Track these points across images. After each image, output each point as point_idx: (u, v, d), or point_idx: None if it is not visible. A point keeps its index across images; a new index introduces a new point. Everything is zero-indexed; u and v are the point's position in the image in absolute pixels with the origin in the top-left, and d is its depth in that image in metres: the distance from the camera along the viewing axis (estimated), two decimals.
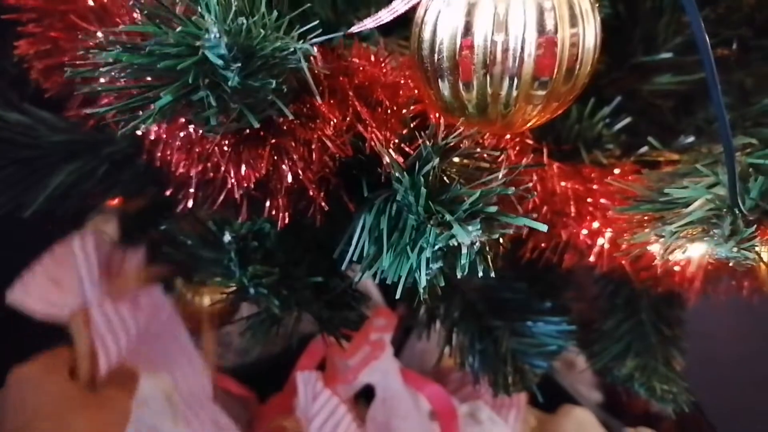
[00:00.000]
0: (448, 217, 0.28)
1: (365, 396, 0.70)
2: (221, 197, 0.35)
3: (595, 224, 0.41)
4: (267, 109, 0.28)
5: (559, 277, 0.55)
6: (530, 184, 0.30)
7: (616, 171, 0.44)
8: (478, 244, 0.28)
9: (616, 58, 0.48)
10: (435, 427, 0.70)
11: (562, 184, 0.40)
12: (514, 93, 0.28)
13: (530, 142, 0.39)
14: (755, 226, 0.32)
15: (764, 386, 1.07)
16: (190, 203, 0.37)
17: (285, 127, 0.31)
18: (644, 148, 0.46)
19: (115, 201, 0.81)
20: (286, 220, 0.35)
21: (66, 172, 0.43)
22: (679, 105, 0.51)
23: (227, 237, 0.38)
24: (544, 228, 0.28)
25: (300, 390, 0.59)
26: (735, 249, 0.32)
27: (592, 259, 0.43)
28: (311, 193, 0.34)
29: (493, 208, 0.28)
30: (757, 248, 0.33)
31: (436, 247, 0.28)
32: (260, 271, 0.38)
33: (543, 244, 0.44)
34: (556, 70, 0.28)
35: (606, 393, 0.98)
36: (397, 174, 0.29)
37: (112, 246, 0.62)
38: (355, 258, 0.33)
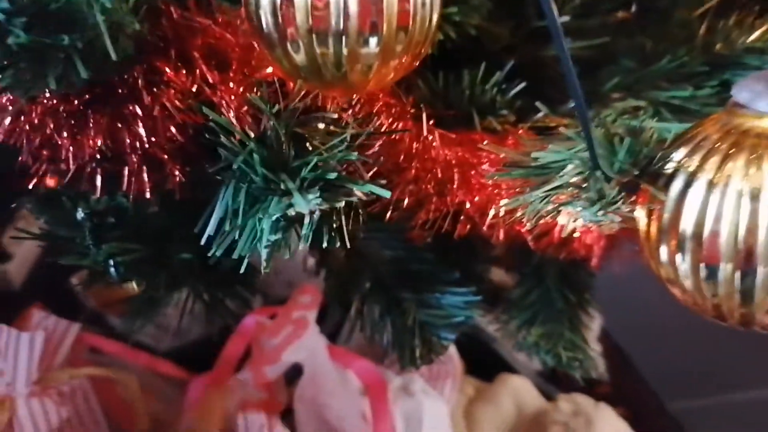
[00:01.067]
0: (288, 185, 0.27)
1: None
2: (71, 171, 0.33)
3: (481, 192, 0.40)
4: (67, 70, 0.25)
5: (469, 246, 0.54)
6: (376, 149, 0.29)
7: (511, 138, 0.43)
8: (317, 212, 0.26)
9: (513, 23, 0.46)
10: (365, 401, 0.70)
11: (445, 152, 0.39)
12: (344, 52, 0.26)
13: (409, 108, 0.38)
14: (618, 189, 0.31)
15: (704, 350, 1.09)
16: (49, 180, 0.35)
17: (124, 93, 0.29)
18: (540, 114, 0.45)
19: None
20: (146, 194, 0.34)
21: None
22: (581, 70, 0.50)
23: (80, 213, 0.36)
24: (386, 194, 0.27)
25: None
26: (601, 213, 0.31)
27: (485, 228, 0.42)
28: (165, 164, 0.32)
29: (333, 175, 0.27)
30: (627, 210, 0.32)
31: (274, 216, 0.27)
32: (117, 248, 0.36)
33: (433, 214, 0.43)
34: (385, 27, 0.26)
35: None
36: (232, 141, 0.27)
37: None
38: (212, 232, 0.31)
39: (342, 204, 0.27)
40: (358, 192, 0.27)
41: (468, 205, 0.40)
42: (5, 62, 0.23)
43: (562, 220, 0.33)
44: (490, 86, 0.44)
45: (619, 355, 1.01)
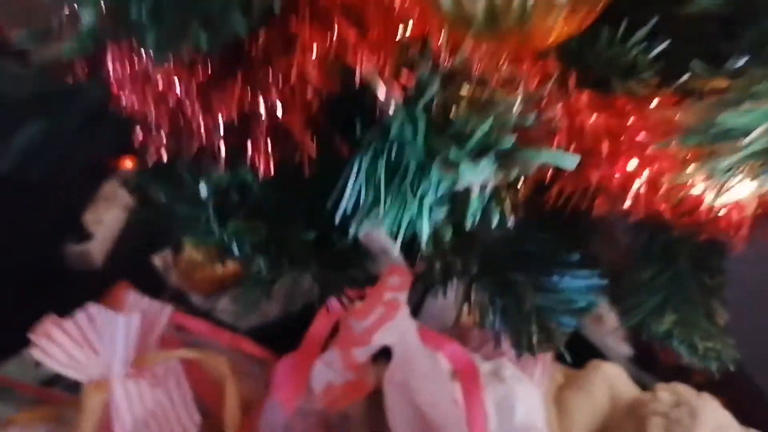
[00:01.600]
0: (454, 154, 0.23)
1: (386, 356, 0.67)
2: (195, 145, 0.30)
3: (632, 164, 0.35)
4: (224, 27, 0.22)
5: (589, 226, 0.50)
6: (554, 114, 0.25)
7: (654, 102, 0.38)
8: (491, 186, 0.22)
9: None
10: (456, 386, 0.67)
11: (592, 118, 0.35)
12: None
13: (553, 69, 0.33)
14: None
15: None
16: (164, 154, 0.32)
17: (257, 57, 0.26)
18: (686, 76, 0.39)
19: (129, 163, 0.77)
20: (271, 169, 0.31)
21: (34, 129, 0.38)
22: (726, 27, 0.44)
23: (204, 190, 0.34)
24: (573, 162, 0.23)
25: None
26: None
27: (627, 204, 0.38)
28: (297, 137, 0.29)
29: (508, 142, 0.23)
30: None
31: (441, 191, 0.23)
32: (243, 227, 0.33)
33: (570, 188, 0.38)
34: None
35: (636, 346, 0.94)
36: (392, 107, 0.24)
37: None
38: (349, 209, 0.28)
39: (514, 176, 0.23)
40: (536, 162, 0.23)
41: (613, 179, 0.36)
42: (148, 20, 0.20)
43: (746, 194, 0.29)
44: (630, 45, 0.39)
45: None
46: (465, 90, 0.27)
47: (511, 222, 0.25)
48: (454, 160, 0.23)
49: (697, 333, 0.46)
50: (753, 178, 0.28)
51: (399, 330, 0.65)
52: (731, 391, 0.87)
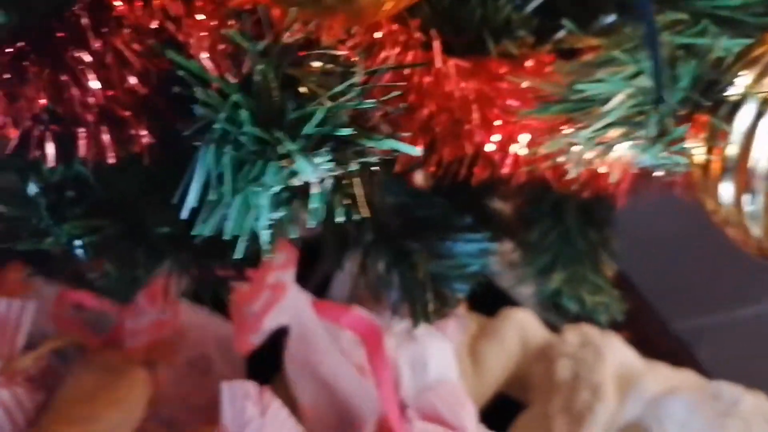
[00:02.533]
0: (288, 146, 0.21)
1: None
2: (14, 137, 0.26)
3: (504, 131, 0.34)
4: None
5: (480, 188, 0.49)
6: (398, 93, 0.23)
7: (529, 63, 0.36)
8: (330, 180, 0.20)
9: None
10: (359, 353, 0.66)
11: (462, 85, 0.33)
12: None
13: (417, 35, 0.31)
14: (686, 123, 0.26)
15: (707, 268, 1.07)
16: None
17: (65, 36, 0.22)
18: (561, 33, 0.38)
19: None
20: (110, 159, 0.27)
21: None
22: None
23: (33, 188, 0.30)
24: (416, 151, 0.21)
25: (225, 403, 0.55)
26: (664, 153, 0.26)
27: (505, 170, 0.37)
28: (129, 123, 0.26)
29: (346, 131, 0.21)
30: (688, 149, 0.27)
31: (275, 189, 0.21)
32: (80, 226, 0.30)
33: (447, 158, 0.37)
34: None
35: None
36: (210, 92, 0.21)
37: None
38: (194, 204, 0.26)
39: (355, 168, 0.21)
40: (378, 150, 0.21)
41: (489, 147, 0.35)
42: None
43: (611, 160, 0.28)
44: (503, 2, 0.37)
45: (618, 277, 0.99)
46: (311, 67, 0.24)
47: (364, 213, 0.23)
48: (288, 152, 0.20)
49: (585, 288, 0.47)
50: (614, 147, 0.27)
51: (291, 309, 0.63)
52: (636, 326, 0.92)
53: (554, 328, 0.83)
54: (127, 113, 0.25)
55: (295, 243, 0.55)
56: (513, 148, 0.36)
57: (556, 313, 0.94)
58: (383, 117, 0.23)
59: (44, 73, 0.23)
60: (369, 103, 0.21)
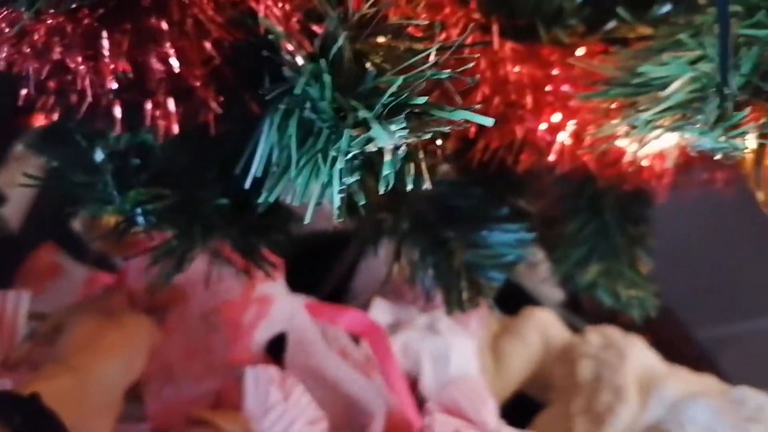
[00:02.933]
0: (364, 113, 0.21)
1: None
2: (85, 104, 0.27)
3: (556, 117, 0.34)
4: None
5: (518, 177, 0.49)
6: (472, 65, 0.23)
7: (580, 51, 0.37)
8: (404, 147, 0.21)
9: None
10: (359, 353, 0.67)
11: (516, 69, 0.33)
12: None
13: (476, 16, 0.31)
14: (746, 108, 0.26)
15: (729, 277, 1.07)
16: (53, 115, 0.29)
17: (147, 5, 0.23)
18: (612, 23, 0.39)
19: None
20: (174, 129, 0.28)
21: None
22: None
23: (100, 154, 0.31)
24: (490, 122, 0.21)
25: (249, 388, 0.55)
26: (722, 138, 0.26)
27: (552, 158, 0.37)
28: (199, 93, 0.26)
29: (422, 99, 0.21)
30: (747, 136, 0.27)
31: (350, 154, 0.21)
32: (146, 194, 0.31)
33: (495, 143, 0.37)
34: None
35: (568, 291, 0.96)
36: (294, 60, 0.22)
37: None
38: (259, 173, 0.26)
39: (428, 137, 0.22)
40: (451, 120, 0.21)
41: (538, 132, 0.35)
42: None
43: (666, 146, 0.28)
44: None
45: None
46: (377, 42, 0.25)
47: (427, 183, 0.23)
48: (365, 120, 0.21)
49: (621, 282, 0.47)
50: (673, 131, 0.27)
51: (283, 317, 0.63)
52: (658, 331, 0.92)
53: (575, 329, 0.83)
54: (198, 83, 0.26)
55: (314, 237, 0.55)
56: (561, 136, 0.36)
57: (577, 313, 0.94)
58: (455, 89, 0.23)
59: (124, 40, 0.23)
60: (444, 73, 0.22)
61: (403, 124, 0.21)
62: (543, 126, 0.35)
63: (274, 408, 0.57)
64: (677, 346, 0.91)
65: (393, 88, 0.21)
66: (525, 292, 0.94)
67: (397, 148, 0.21)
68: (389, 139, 0.21)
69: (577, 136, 0.36)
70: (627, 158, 0.39)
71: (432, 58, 0.22)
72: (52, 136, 0.33)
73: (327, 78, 0.21)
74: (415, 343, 0.70)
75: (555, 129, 0.36)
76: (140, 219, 0.31)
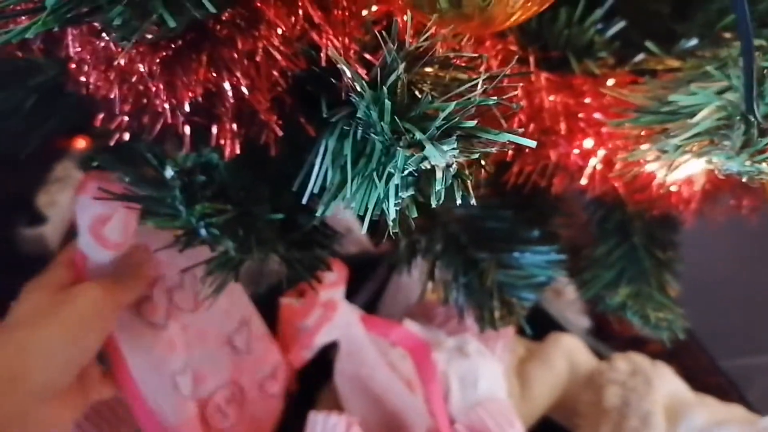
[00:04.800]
0: (418, 135, 0.24)
1: None
2: (158, 125, 0.30)
3: (588, 142, 0.37)
4: (191, 9, 0.22)
5: (547, 203, 0.51)
6: (516, 93, 0.26)
7: (610, 82, 0.39)
8: (454, 166, 0.23)
9: None
10: (408, 367, 0.68)
11: (551, 98, 0.36)
12: None
13: (514, 48, 0.34)
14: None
15: (757, 308, 1.07)
16: (126, 135, 0.32)
17: (222, 36, 0.26)
18: (640, 56, 0.41)
19: (82, 142, 0.75)
20: (237, 150, 0.31)
21: None
22: (677, 8, 0.46)
23: (169, 172, 0.33)
24: (532, 144, 0.23)
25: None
26: (748, 162, 0.28)
27: (583, 182, 0.39)
28: (262, 116, 0.29)
29: (471, 123, 0.23)
30: None
31: (406, 171, 0.24)
32: (210, 209, 0.33)
33: (530, 167, 0.39)
34: None
35: (594, 318, 0.97)
36: (357, 87, 0.24)
37: None
38: (316, 189, 0.29)
39: (476, 156, 0.24)
40: (497, 142, 0.24)
41: (571, 157, 0.37)
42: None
43: (694, 171, 0.30)
44: (587, 25, 0.40)
45: None
46: (429, 71, 0.27)
47: (473, 199, 0.25)
48: (419, 141, 0.23)
49: (650, 305, 0.48)
50: (701, 156, 0.29)
51: (342, 325, 0.65)
52: (684, 360, 0.91)
53: (601, 356, 0.84)
54: (263, 108, 0.28)
55: (345, 261, 0.57)
56: (593, 161, 0.38)
57: (603, 340, 0.95)
58: (501, 113, 0.25)
59: (200, 67, 0.26)
60: (492, 100, 0.24)
61: (454, 145, 0.23)
62: (576, 151, 0.37)
63: None
64: (704, 375, 0.91)
65: (445, 113, 0.23)
66: (551, 318, 0.95)
67: (448, 166, 0.23)
68: (442, 158, 0.23)
69: (608, 161, 0.38)
70: (656, 183, 0.41)
71: (480, 87, 0.24)
72: (122, 155, 0.35)
73: (387, 103, 0.23)
74: (444, 364, 0.71)
75: (587, 154, 0.38)
76: (203, 231, 0.34)
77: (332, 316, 0.64)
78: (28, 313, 0.42)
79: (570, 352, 0.84)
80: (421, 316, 0.81)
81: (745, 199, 0.44)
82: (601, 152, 0.38)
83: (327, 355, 0.67)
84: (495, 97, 0.24)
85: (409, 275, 0.54)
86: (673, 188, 0.42)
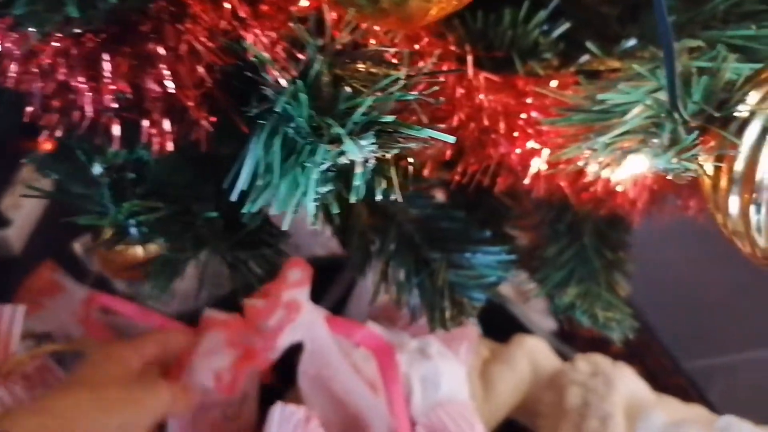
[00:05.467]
0: (337, 130, 0.23)
1: None
2: (85, 121, 0.29)
3: (529, 142, 0.37)
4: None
5: (501, 204, 0.51)
6: (439, 89, 0.25)
7: (553, 83, 0.39)
8: (372, 161, 0.23)
9: None
10: (371, 369, 0.68)
11: (490, 97, 0.36)
12: None
13: (452, 48, 0.34)
14: (697, 133, 0.28)
15: (718, 309, 1.08)
16: (56, 132, 0.31)
17: (146, 30, 0.26)
18: (585, 57, 0.41)
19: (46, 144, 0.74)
20: (169, 146, 0.30)
21: None
22: (624, 12, 0.46)
23: (98, 168, 0.33)
24: (451, 139, 0.23)
25: (273, 423, 0.55)
26: (675, 160, 0.28)
27: (526, 181, 0.39)
28: (191, 113, 0.29)
29: (389, 118, 0.23)
30: (699, 158, 0.29)
31: (324, 166, 0.23)
32: (139, 206, 0.33)
33: (473, 167, 0.39)
34: None
35: (559, 320, 0.98)
36: (277, 82, 0.24)
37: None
38: (245, 186, 0.28)
39: (396, 152, 0.24)
40: (417, 138, 0.24)
41: (513, 156, 0.37)
42: None
43: (627, 169, 0.30)
44: (532, 26, 0.40)
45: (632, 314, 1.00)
46: (356, 68, 0.27)
47: (397, 195, 0.25)
48: (337, 136, 0.23)
49: (598, 304, 0.48)
50: (631, 154, 0.29)
51: (305, 325, 0.64)
52: (646, 360, 0.92)
53: (566, 357, 0.84)
54: (191, 104, 0.28)
55: (312, 264, 0.57)
56: (535, 160, 0.38)
57: (569, 342, 0.95)
58: (423, 110, 0.25)
59: (124, 62, 0.26)
60: (411, 95, 0.24)
61: (372, 140, 0.23)
62: (517, 151, 0.38)
63: None
64: (666, 376, 0.92)
65: (363, 108, 0.23)
66: (516, 320, 0.95)
67: (366, 161, 0.23)
68: (359, 152, 0.23)
69: (550, 160, 0.39)
70: (600, 183, 0.41)
71: (401, 82, 0.24)
72: (55, 153, 0.35)
73: (303, 98, 0.23)
74: (406, 366, 0.71)
75: (529, 154, 0.38)
76: (133, 230, 0.33)
77: (295, 317, 0.63)
78: (87, 376, 0.44)
79: (533, 354, 0.84)
80: (384, 318, 0.81)
81: (692, 200, 0.45)
82: (544, 152, 0.38)
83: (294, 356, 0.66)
84: (415, 93, 0.24)
85: (363, 277, 0.54)
86: (618, 188, 0.43)
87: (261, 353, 0.63)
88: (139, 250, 0.68)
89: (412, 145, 0.24)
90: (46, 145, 0.74)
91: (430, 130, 0.24)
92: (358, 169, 0.23)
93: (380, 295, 0.55)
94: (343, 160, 0.23)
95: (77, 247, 0.90)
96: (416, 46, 0.33)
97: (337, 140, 0.24)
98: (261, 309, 0.62)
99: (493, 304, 0.91)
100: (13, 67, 0.26)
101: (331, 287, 0.95)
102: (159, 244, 0.33)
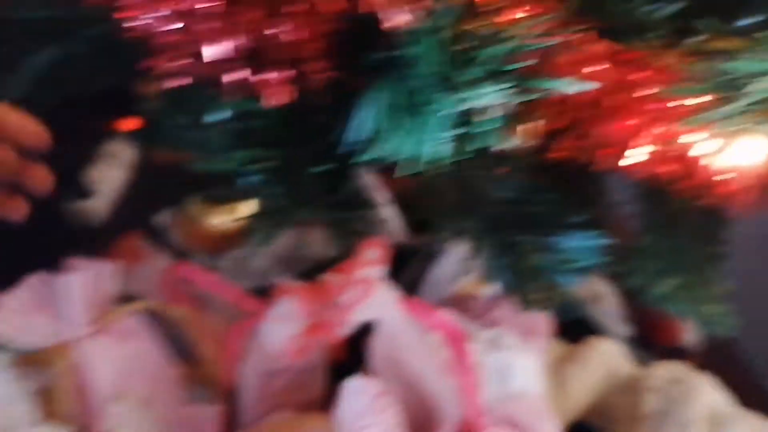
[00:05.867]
0: (466, 77, 0.23)
1: None
2: (208, 70, 0.30)
3: (637, 118, 0.36)
4: None
5: (595, 191, 0.50)
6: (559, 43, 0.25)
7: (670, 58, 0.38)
8: (505, 107, 0.23)
9: None
10: (445, 354, 0.67)
11: (605, 67, 0.35)
12: None
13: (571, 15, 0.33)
14: None
15: None
16: (177, 79, 0.32)
17: None
18: (700, 37, 0.39)
19: (130, 123, 0.78)
20: (285, 98, 0.31)
21: (46, 54, 0.38)
22: None
23: (216, 116, 0.34)
24: (589, 86, 0.23)
25: (347, 397, 0.56)
26: None
27: (629, 161, 0.38)
28: (310, 64, 0.29)
29: (517, 66, 0.23)
30: None
31: (456, 111, 0.23)
32: (256, 154, 0.33)
33: (579, 144, 0.38)
34: None
35: (634, 327, 0.94)
36: (406, 32, 0.24)
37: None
38: (365, 133, 0.28)
39: (527, 101, 0.23)
40: (551, 87, 0.23)
41: (622, 132, 0.36)
42: None
43: (752, 146, 0.29)
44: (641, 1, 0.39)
45: None
46: (481, 20, 0.27)
47: (523, 143, 0.25)
48: (471, 79, 0.23)
49: (699, 297, 0.46)
50: (756, 125, 0.28)
51: (379, 305, 0.64)
52: (728, 375, 0.88)
53: (640, 363, 0.81)
54: (308, 56, 0.29)
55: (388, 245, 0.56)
56: (641, 140, 0.37)
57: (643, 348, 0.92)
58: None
59: (246, 14, 0.26)
60: (540, 44, 0.24)
61: (499, 87, 0.23)
62: (623, 127, 0.36)
63: (367, 426, 0.57)
64: (747, 391, 0.87)
65: (494, 54, 0.23)
66: (590, 325, 0.93)
67: (494, 108, 0.23)
68: (487, 100, 0.23)
69: (657, 139, 0.37)
70: (705, 170, 0.39)
71: (527, 33, 0.24)
72: (173, 100, 0.36)
73: (435, 45, 0.23)
74: (478, 355, 0.70)
75: (635, 131, 0.37)
76: (249, 178, 0.34)
77: (369, 293, 0.63)
78: None
79: (608, 357, 0.82)
80: (455, 307, 0.80)
81: None
82: (653, 130, 0.37)
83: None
84: (543, 43, 0.24)
85: (439, 265, 0.53)
86: (727, 176, 0.41)
87: (332, 326, 0.63)
88: (220, 223, 0.70)
89: (545, 95, 0.23)
90: (129, 124, 0.77)
91: (560, 81, 0.23)
92: (486, 115, 0.23)
93: (460, 279, 0.54)
94: (476, 104, 0.23)
95: (158, 221, 0.93)
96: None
97: (469, 84, 0.24)
98: (335, 284, 0.63)
99: (567, 306, 0.89)
100: (140, 13, 0.27)
101: (399, 276, 0.95)
102: (259, 201, 0.34)
